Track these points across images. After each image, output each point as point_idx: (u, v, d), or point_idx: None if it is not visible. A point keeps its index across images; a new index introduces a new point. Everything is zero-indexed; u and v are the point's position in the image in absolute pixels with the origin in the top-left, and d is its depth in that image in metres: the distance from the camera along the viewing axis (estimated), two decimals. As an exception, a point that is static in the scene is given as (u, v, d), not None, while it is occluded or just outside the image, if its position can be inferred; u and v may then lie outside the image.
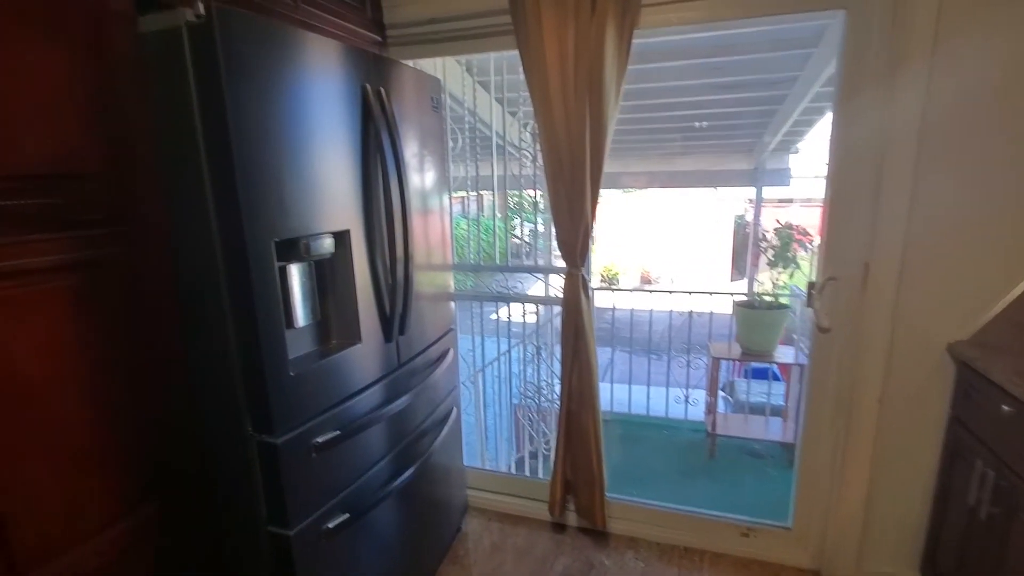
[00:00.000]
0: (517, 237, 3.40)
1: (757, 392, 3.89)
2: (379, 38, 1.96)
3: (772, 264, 3.04)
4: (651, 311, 3.65)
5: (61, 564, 0.97)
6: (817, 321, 1.80)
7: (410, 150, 1.65)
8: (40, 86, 0.91)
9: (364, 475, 1.49)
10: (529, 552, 2.10)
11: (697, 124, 5.85)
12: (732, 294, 3.33)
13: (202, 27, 1.03)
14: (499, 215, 3.01)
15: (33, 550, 0.93)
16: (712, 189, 11.68)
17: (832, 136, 1.69)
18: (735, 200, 12.61)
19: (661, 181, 8.43)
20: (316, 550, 1.32)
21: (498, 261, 2.99)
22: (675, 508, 2.13)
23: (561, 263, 1.95)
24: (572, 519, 2.23)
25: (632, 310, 3.85)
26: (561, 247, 1.90)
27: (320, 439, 1.31)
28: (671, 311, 3.78)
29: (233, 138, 1.05)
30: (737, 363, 5.29)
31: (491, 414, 3.08)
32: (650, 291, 4.31)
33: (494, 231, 3.10)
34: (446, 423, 1.97)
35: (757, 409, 3.68)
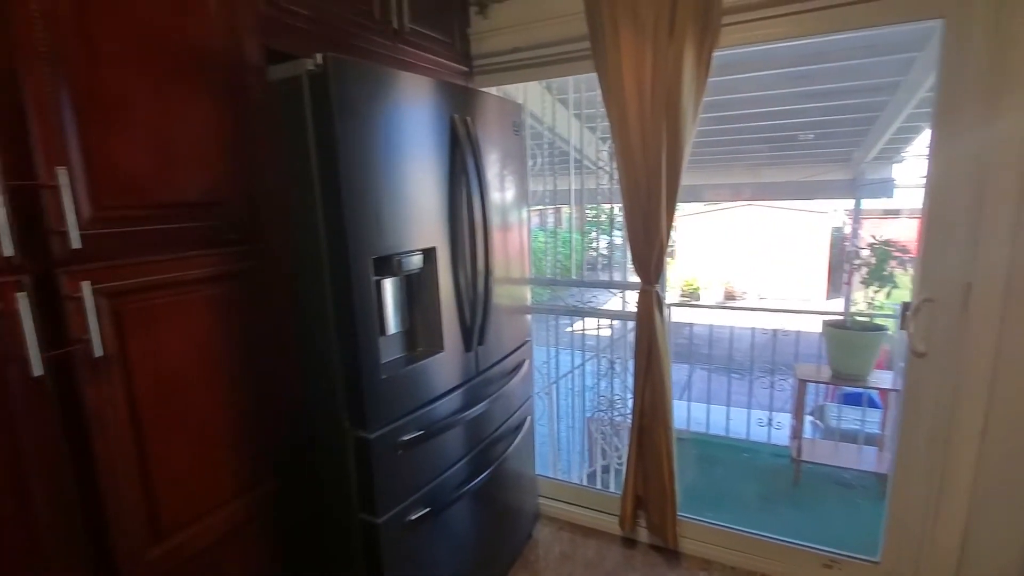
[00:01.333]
0: (594, 250, 3.44)
1: (850, 418, 3.64)
2: (466, 68, 2.11)
3: (867, 282, 2.86)
4: (732, 328, 3.53)
5: (195, 529, 1.15)
6: (912, 345, 1.71)
7: (492, 171, 1.77)
8: (195, 130, 1.11)
9: (443, 474, 1.61)
10: (599, 564, 2.12)
11: (801, 136, 5.58)
12: (822, 313, 3.16)
13: (319, 75, 1.20)
14: (576, 229, 3.07)
15: (175, 518, 1.11)
16: (805, 201, 11.03)
17: (931, 150, 1.60)
18: (835, 212, 11.81)
19: (748, 193, 8.11)
20: (400, 539, 1.45)
21: (574, 275, 3.05)
22: (753, 533, 2.07)
23: (637, 278, 1.98)
24: (643, 535, 2.23)
25: (712, 326, 3.75)
26: (636, 264, 1.94)
27: (406, 437, 1.44)
28: (753, 329, 3.64)
29: (341, 168, 1.21)
30: (829, 387, 4.97)
31: (564, 427, 3.13)
32: (731, 308, 4.17)
33: (571, 244, 3.17)
34: (520, 431, 2.05)
35: (849, 436, 3.44)
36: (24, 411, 0.86)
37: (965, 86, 1.50)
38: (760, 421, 3.58)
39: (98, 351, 0.93)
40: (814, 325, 3.25)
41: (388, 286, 1.43)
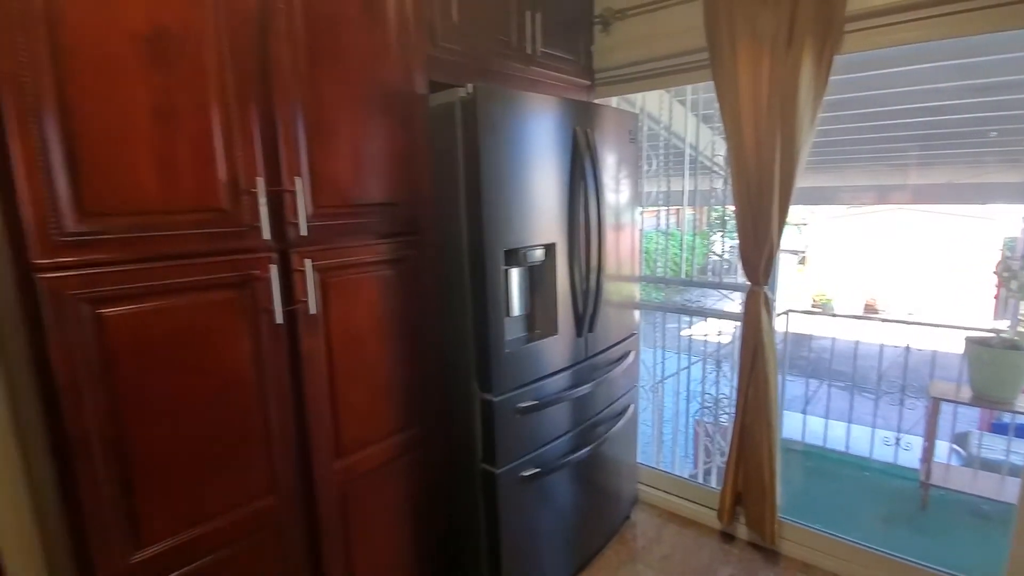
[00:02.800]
0: (716, 254, 3.45)
1: (997, 448, 3.27)
2: (588, 82, 2.32)
3: (1019, 297, 2.59)
4: (856, 342, 3.34)
5: (364, 454, 1.49)
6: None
7: (608, 176, 1.96)
8: (378, 148, 1.44)
9: (551, 442, 1.83)
10: (695, 552, 2.22)
11: (993, 133, 4.98)
12: (965, 328, 2.90)
13: (470, 100, 1.48)
14: (694, 230, 3.12)
15: (351, 442, 1.46)
16: (971, 206, 9.63)
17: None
18: (1008, 219, 10.18)
19: (897, 196, 7.35)
20: (513, 491, 1.70)
21: (684, 275, 3.11)
22: (860, 544, 2.04)
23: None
24: (742, 532, 2.28)
25: (834, 339, 3.57)
26: (744, 265, 2.01)
27: (522, 404, 1.69)
28: (882, 345, 3.40)
29: (483, 176, 1.49)
30: (980, 416, 4.44)
31: (668, 428, 3.20)
32: (858, 317, 3.92)
33: (682, 245, 3.23)
34: (622, 417, 2.22)
35: (992, 466, 3.11)
36: (270, 348, 1.23)
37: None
38: (886, 440, 3.36)
39: (312, 310, 1.29)
40: (956, 344, 2.99)
41: (514, 275, 1.69)
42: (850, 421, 3.48)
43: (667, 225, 3.10)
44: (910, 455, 3.31)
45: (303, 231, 1.25)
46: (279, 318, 1.22)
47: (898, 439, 3.30)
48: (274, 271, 1.20)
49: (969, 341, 2.78)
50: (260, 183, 1.17)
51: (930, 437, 2.97)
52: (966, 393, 2.84)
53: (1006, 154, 5.58)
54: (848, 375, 3.75)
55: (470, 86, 1.47)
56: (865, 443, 3.45)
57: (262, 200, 1.17)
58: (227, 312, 1.15)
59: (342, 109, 1.34)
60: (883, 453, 3.39)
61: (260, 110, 1.18)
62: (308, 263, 1.27)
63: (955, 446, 3.89)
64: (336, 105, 1.33)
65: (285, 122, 1.22)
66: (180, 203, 1.07)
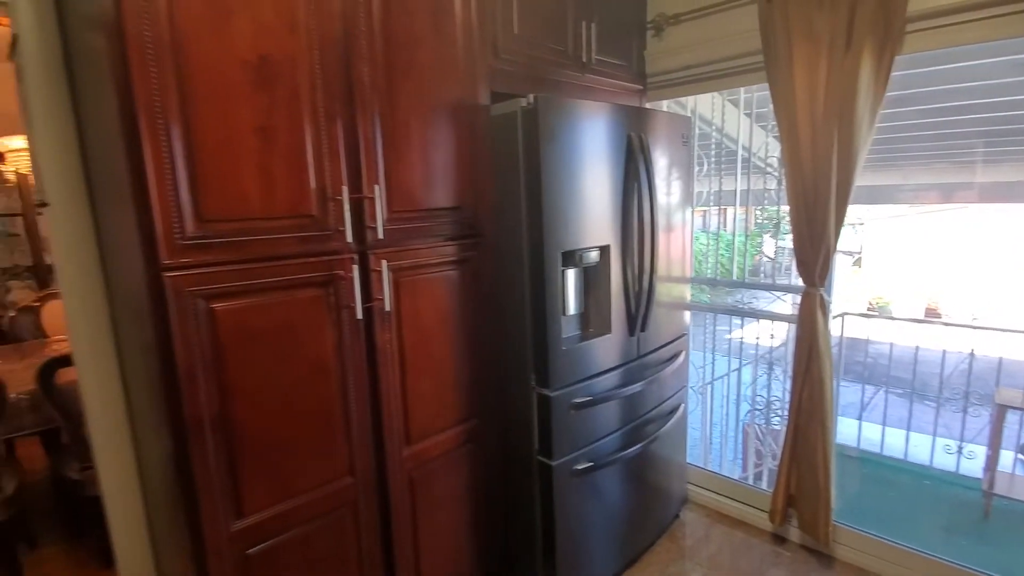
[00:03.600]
0: (765, 255, 3.41)
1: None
2: (640, 86, 2.36)
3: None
4: (916, 348, 3.24)
5: (430, 442, 1.60)
6: None
7: (661, 180, 2.00)
8: (445, 157, 1.54)
9: (604, 438, 1.89)
10: (744, 553, 2.23)
11: None
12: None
13: (531, 111, 1.56)
14: (745, 231, 3.11)
15: (418, 431, 1.56)
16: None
17: None
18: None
19: (960, 195, 6.99)
20: (568, 483, 1.77)
21: (735, 276, 3.09)
22: (922, 551, 2.00)
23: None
24: (794, 535, 2.28)
25: (892, 344, 3.46)
26: (799, 267, 2.01)
27: (577, 400, 1.76)
28: (944, 350, 3.28)
29: (544, 181, 1.56)
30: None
31: (717, 432, 3.19)
32: (919, 321, 3.79)
33: (734, 247, 3.21)
34: (672, 416, 2.25)
35: (1068, 479, 2.96)
36: (350, 342, 1.35)
37: None
38: (948, 449, 3.24)
39: (387, 307, 1.40)
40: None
41: (571, 275, 1.76)
42: (909, 428, 3.37)
43: (718, 226, 3.09)
44: (973, 464, 3.19)
45: (380, 234, 1.36)
46: (359, 314, 1.33)
47: (961, 448, 3.18)
48: (355, 270, 1.32)
49: (1040, 347, 2.66)
50: (344, 191, 1.28)
51: (994, 446, 2.86)
52: (1036, 401, 2.72)
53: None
54: (907, 381, 3.62)
55: (531, 97, 1.55)
56: (924, 451, 3.33)
57: (346, 206, 1.28)
58: (315, 308, 1.27)
59: (413, 120, 1.44)
60: (943, 461, 3.27)
61: (344, 124, 1.29)
62: (384, 264, 1.38)
63: (1021, 455, 3.71)
64: (408, 117, 1.43)
65: (366, 135, 1.33)
66: (277, 210, 1.19)
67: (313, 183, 1.24)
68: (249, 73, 1.12)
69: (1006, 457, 3.17)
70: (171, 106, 1.03)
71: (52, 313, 3.06)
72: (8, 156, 2.76)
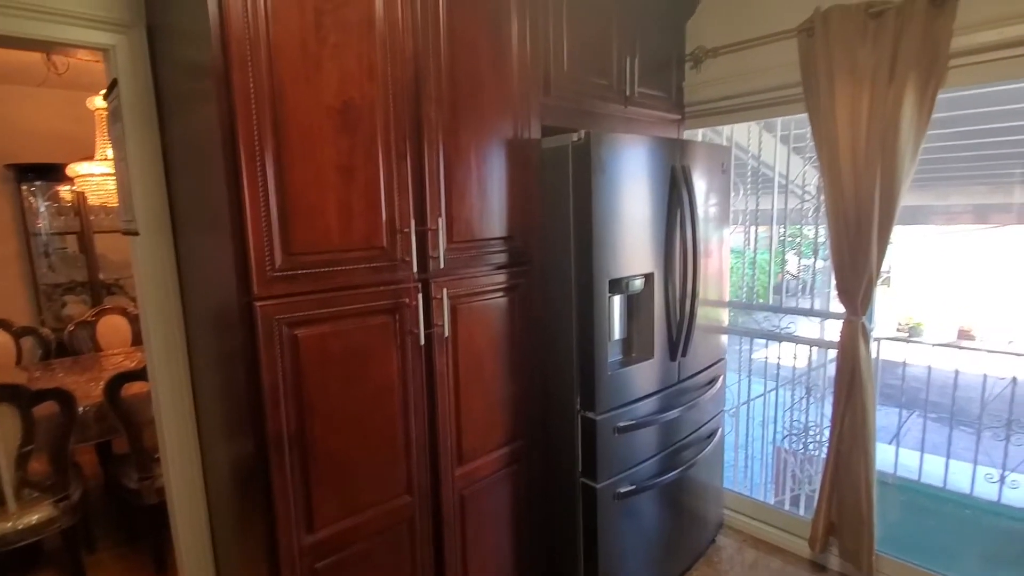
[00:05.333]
0: (790, 273, 3.41)
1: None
2: (679, 116, 2.43)
3: None
4: (956, 371, 3.19)
5: (480, 462, 1.65)
6: None
7: (701, 208, 2.05)
8: (500, 187, 1.62)
9: (644, 462, 1.93)
10: (783, 578, 2.23)
11: None
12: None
13: (581, 145, 1.63)
14: (766, 248, 3.12)
15: (469, 451, 1.62)
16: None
17: None
18: None
19: (996, 217, 6.86)
20: (610, 506, 1.81)
21: (762, 299, 3.10)
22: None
23: (839, 307, 2.06)
24: (834, 564, 2.26)
25: (930, 367, 3.41)
26: (841, 296, 2.03)
27: (621, 424, 1.80)
28: (985, 375, 3.23)
29: (594, 212, 1.63)
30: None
31: (750, 454, 3.17)
32: (956, 346, 3.74)
33: (769, 267, 3.22)
34: (710, 441, 2.27)
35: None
36: (413, 366, 1.42)
37: None
38: (989, 477, 3.17)
39: (446, 333, 1.47)
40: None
41: (616, 302, 1.82)
42: (948, 456, 3.30)
43: (743, 244, 3.11)
44: (1017, 493, 3.11)
45: (441, 264, 1.44)
46: (422, 340, 1.41)
47: (1003, 476, 3.11)
48: (419, 298, 1.39)
49: (1087, 376, 2.62)
50: (412, 224, 1.36)
51: (1041, 476, 2.79)
52: (1084, 432, 2.66)
53: None
54: (944, 406, 3.56)
55: (582, 132, 1.63)
56: (964, 479, 3.26)
57: (412, 238, 1.37)
58: (383, 334, 1.35)
59: (473, 156, 1.53)
60: (985, 490, 3.20)
61: (412, 161, 1.38)
62: (444, 292, 1.45)
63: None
64: (468, 153, 1.52)
65: (431, 170, 1.42)
66: (353, 243, 1.28)
67: (384, 217, 1.33)
68: (334, 117, 1.21)
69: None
70: (267, 148, 1.13)
71: (107, 328, 3.22)
72: (76, 180, 2.94)
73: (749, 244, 3.20)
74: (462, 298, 1.55)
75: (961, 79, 1.78)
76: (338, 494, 1.32)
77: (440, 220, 1.43)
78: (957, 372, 3.19)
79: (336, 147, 1.22)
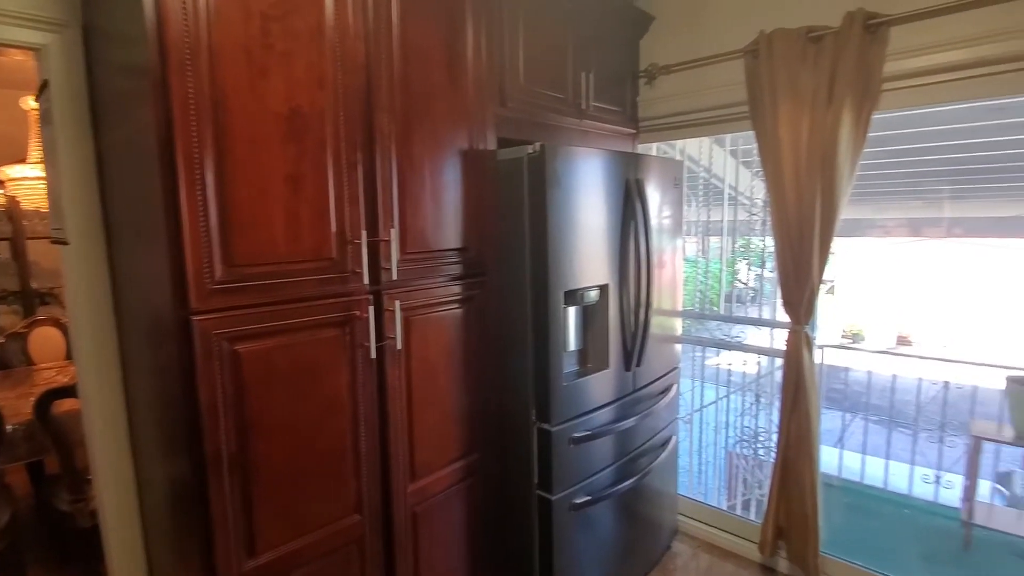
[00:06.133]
0: (741, 282, 3.53)
1: (1044, 489, 3.24)
2: (633, 130, 2.48)
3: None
4: (894, 376, 3.37)
5: (433, 477, 1.62)
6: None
7: (655, 220, 2.09)
8: (454, 199, 1.61)
9: (599, 472, 1.94)
10: (735, 583, 2.28)
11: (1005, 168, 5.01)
12: (1005, 367, 2.92)
13: (536, 157, 1.64)
14: (718, 259, 3.22)
15: (422, 466, 1.59)
16: (1008, 240, 9.44)
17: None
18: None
19: (929, 230, 7.31)
20: (566, 517, 1.81)
21: (716, 307, 3.19)
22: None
23: (787, 317, 2.14)
24: (782, 566, 2.33)
25: (870, 373, 3.59)
26: (786, 306, 2.11)
27: (577, 435, 1.81)
28: (920, 379, 3.42)
29: (549, 225, 1.64)
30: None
31: (703, 459, 3.25)
32: (894, 353, 3.94)
33: (719, 276, 3.32)
34: (664, 448, 2.31)
35: (1041, 508, 3.08)
36: (363, 379, 1.39)
37: None
38: (926, 478, 3.35)
39: (398, 346, 1.45)
40: (997, 381, 3.01)
41: (571, 313, 1.83)
42: (888, 457, 3.47)
43: (698, 252, 3.20)
44: (951, 494, 3.29)
45: (394, 275, 1.42)
46: (373, 353, 1.37)
47: (938, 477, 3.29)
48: (370, 311, 1.36)
49: (1010, 380, 2.80)
50: (363, 235, 1.34)
51: (972, 476, 2.97)
52: (1008, 432, 2.84)
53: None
54: (884, 409, 3.75)
55: (538, 145, 1.64)
56: (903, 480, 3.43)
57: (364, 249, 1.34)
58: (332, 347, 1.32)
59: (427, 166, 1.52)
60: (922, 490, 3.37)
61: (364, 171, 1.36)
62: (397, 304, 1.43)
63: (998, 486, 3.83)
64: (422, 162, 1.50)
65: (383, 180, 1.40)
66: (301, 253, 1.24)
67: (334, 227, 1.29)
68: (281, 125, 1.18)
69: (984, 487, 3.28)
70: (208, 156, 1.08)
71: (40, 340, 3.03)
72: (8, 184, 2.76)
73: (703, 255, 3.30)
74: (416, 310, 1.52)
75: (894, 102, 1.89)
76: (283, 515, 1.26)
77: (393, 231, 1.41)
78: (895, 376, 3.36)
79: (283, 155, 1.19)
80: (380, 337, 1.42)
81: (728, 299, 3.18)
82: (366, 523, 1.44)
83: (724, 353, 3.04)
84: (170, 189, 1.05)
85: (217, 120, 1.09)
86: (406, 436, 1.52)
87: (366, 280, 1.35)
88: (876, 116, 1.89)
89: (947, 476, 3.32)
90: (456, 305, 1.65)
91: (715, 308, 3.57)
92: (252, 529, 1.22)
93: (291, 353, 1.24)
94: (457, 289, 1.64)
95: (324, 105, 1.25)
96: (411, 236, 1.49)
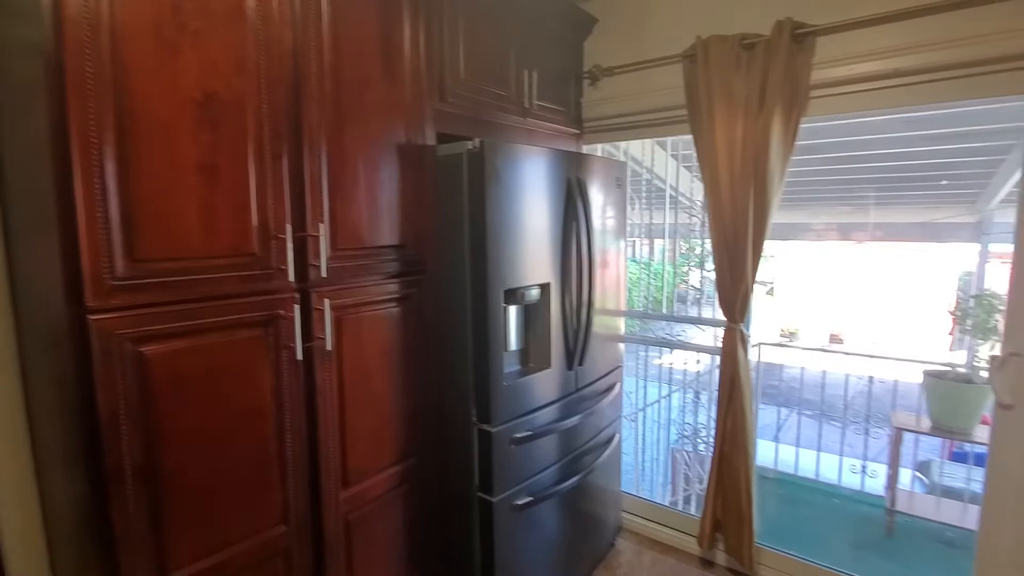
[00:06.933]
0: (686, 283, 3.63)
1: (958, 476, 3.48)
2: (577, 130, 2.49)
3: (972, 334, 2.82)
4: (824, 372, 3.54)
5: (368, 483, 1.56)
6: (998, 397, 1.78)
7: (597, 220, 2.11)
8: (391, 195, 1.56)
9: (543, 471, 1.93)
10: (676, 577, 2.32)
11: (919, 178, 5.38)
12: (922, 362, 3.12)
13: (476, 153, 1.62)
14: (666, 261, 3.31)
15: (356, 472, 1.53)
16: (935, 244, 10.19)
17: (1020, 203, 1.70)
18: (965, 256, 10.77)
19: (858, 234, 7.76)
20: (507, 519, 1.78)
21: (665, 308, 3.27)
22: (836, 569, 2.16)
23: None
24: (721, 559, 2.39)
25: (803, 369, 3.77)
26: (722, 305, 2.17)
27: (518, 435, 1.79)
28: (847, 375, 3.61)
29: (488, 222, 1.61)
30: (945, 445, 4.66)
31: (648, 457, 3.31)
32: (823, 350, 4.14)
33: (663, 277, 3.39)
34: (608, 447, 2.32)
35: (955, 494, 3.30)
36: (289, 383, 1.31)
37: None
38: (853, 468, 3.53)
39: (328, 346, 1.38)
40: (916, 376, 3.21)
41: (512, 312, 1.81)
42: (819, 449, 3.65)
43: (647, 254, 3.28)
44: (876, 483, 3.49)
45: (323, 273, 1.35)
46: (299, 354, 1.31)
47: (864, 467, 3.48)
48: (296, 310, 1.30)
49: (926, 374, 2.99)
50: (288, 229, 1.27)
51: (894, 465, 3.15)
52: (926, 423, 3.03)
53: (957, 196, 6.00)
54: (816, 404, 3.94)
55: (477, 140, 1.61)
56: (833, 471, 3.62)
57: (289, 245, 1.27)
58: (253, 349, 1.24)
59: (360, 160, 1.46)
60: (851, 480, 3.56)
61: (290, 163, 1.29)
62: (327, 302, 1.36)
63: (918, 474, 4.10)
64: (356, 156, 1.44)
65: (312, 173, 1.33)
66: (218, 249, 1.16)
67: (256, 221, 1.22)
68: (194, 110, 1.10)
69: (906, 476, 3.49)
70: (108, 142, 0.99)
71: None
72: None
73: (647, 256, 3.37)
74: (349, 309, 1.46)
75: (820, 109, 1.97)
76: (198, 530, 1.18)
77: (322, 226, 1.35)
78: (824, 373, 3.53)
79: (197, 143, 1.11)
80: (309, 337, 1.35)
81: (681, 300, 3.26)
82: (293, 534, 1.36)
83: (674, 352, 3.12)
84: (63, 177, 0.96)
85: (120, 104, 1.00)
86: (338, 441, 1.46)
87: (292, 277, 1.28)
88: (808, 124, 1.97)
89: (872, 466, 3.52)
90: (393, 304, 1.60)
91: (662, 310, 3.65)
92: (163, 545, 1.13)
93: (207, 355, 1.16)
94: (394, 287, 1.59)
95: (245, 91, 1.18)
96: (343, 232, 1.43)
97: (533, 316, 1.93)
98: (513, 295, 1.76)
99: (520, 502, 1.82)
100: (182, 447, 1.14)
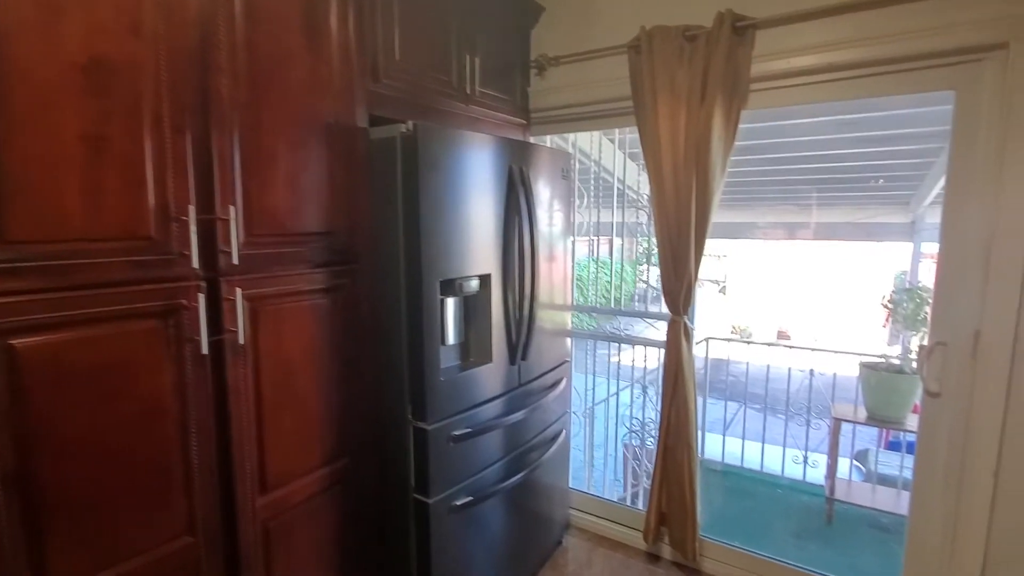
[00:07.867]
0: (644, 282, 3.65)
1: (892, 463, 3.63)
2: (524, 121, 2.44)
3: (904, 326, 2.93)
4: (767, 366, 3.63)
5: (291, 488, 1.46)
6: (925, 385, 1.83)
7: (542, 211, 2.06)
8: (317, 178, 1.46)
9: (485, 470, 1.86)
10: (621, 575, 2.30)
11: (855, 179, 5.61)
12: (859, 354, 3.23)
13: (409, 137, 1.53)
14: (623, 259, 3.31)
15: (277, 476, 1.42)
16: (873, 243, 10.72)
17: (944, 204, 1.75)
18: (900, 254, 11.38)
19: (801, 233, 8.06)
20: (446, 521, 1.71)
21: (614, 304, 3.26)
22: (776, 559, 2.18)
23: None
24: (667, 553, 2.38)
25: (748, 363, 3.85)
26: (666, 297, 2.16)
27: (456, 432, 1.71)
28: (790, 368, 3.72)
29: (422, 210, 1.53)
30: (882, 434, 4.87)
31: (600, 454, 3.30)
32: (766, 344, 4.25)
33: (617, 274, 3.39)
34: (554, 443, 2.28)
35: (890, 481, 3.44)
36: (193, 379, 1.20)
37: (974, 154, 1.66)
38: (795, 459, 3.63)
39: (241, 340, 1.27)
40: (853, 369, 3.31)
41: (450, 304, 1.73)
42: (764, 441, 3.73)
43: (598, 254, 3.26)
44: (817, 472, 3.60)
45: (235, 260, 1.24)
46: (205, 348, 1.19)
47: (806, 457, 3.58)
48: (201, 300, 1.18)
49: (862, 366, 3.09)
50: (192, 211, 1.16)
51: (833, 455, 3.25)
52: (863, 414, 3.13)
53: (892, 198, 6.31)
54: (762, 398, 4.04)
55: (410, 123, 1.53)
56: (777, 462, 3.71)
57: (192, 228, 1.16)
58: (150, 342, 1.12)
59: (281, 140, 1.35)
60: (793, 471, 3.66)
61: (195, 138, 1.17)
62: (239, 292, 1.25)
63: (856, 463, 4.26)
64: (275, 136, 1.34)
65: (221, 151, 1.22)
66: (105, 230, 1.04)
67: (153, 201, 1.10)
68: (77, 75, 0.98)
69: (845, 465, 3.60)
70: (-35, 106, 0.87)
71: None
72: None
73: (611, 254, 3.36)
74: (267, 300, 1.35)
75: (760, 102, 1.99)
76: (86, 543, 1.05)
77: (233, 209, 1.24)
78: (768, 367, 3.61)
79: (79, 112, 0.99)
80: (218, 330, 1.24)
81: (641, 300, 3.27)
82: (201, 545, 1.25)
83: (628, 349, 3.11)
84: (-95, 142, 0.83)
85: (-18, 64, 0.88)
86: (254, 443, 1.35)
87: (196, 264, 1.17)
88: (751, 125, 1.98)
89: (813, 456, 3.62)
90: (320, 295, 1.50)
91: (606, 303, 3.66)
92: (43, 563, 1.00)
93: (94, 348, 1.04)
94: (321, 277, 1.49)
95: (141, 58, 1.06)
96: (260, 217, 1.32)
97: (474, 309, 1.86)
98: (451, 286, 1.69)
99: (459, 502, 1.74)
100: (66, 451, 1.02)
